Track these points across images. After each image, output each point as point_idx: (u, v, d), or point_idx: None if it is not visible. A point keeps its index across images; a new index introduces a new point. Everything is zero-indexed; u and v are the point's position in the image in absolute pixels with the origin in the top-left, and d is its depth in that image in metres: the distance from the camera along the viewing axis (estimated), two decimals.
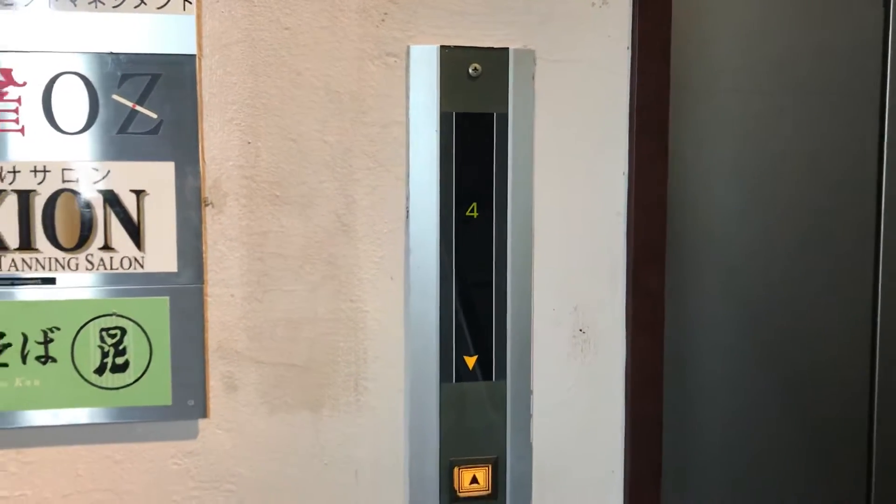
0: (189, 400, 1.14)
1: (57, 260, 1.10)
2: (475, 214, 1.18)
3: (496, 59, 1.17)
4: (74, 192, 1.09)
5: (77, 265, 1.10)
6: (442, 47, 1.16)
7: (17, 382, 1.10)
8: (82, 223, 1.10)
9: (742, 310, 1.41)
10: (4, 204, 1.08)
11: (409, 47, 1.16)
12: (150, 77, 1.09)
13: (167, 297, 1.12)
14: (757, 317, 1.42)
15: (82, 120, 1.09)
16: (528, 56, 1.19)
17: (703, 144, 1.37)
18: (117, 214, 1.10)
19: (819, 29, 1.41)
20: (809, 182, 1.43)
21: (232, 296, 1.15)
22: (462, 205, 1.18)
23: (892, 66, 1.43)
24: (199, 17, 1.10)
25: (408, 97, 1.16)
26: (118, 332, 1.11)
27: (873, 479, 1.48)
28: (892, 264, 1.45)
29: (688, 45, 1.33)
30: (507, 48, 1.18)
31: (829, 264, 1.45)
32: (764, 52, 1.39)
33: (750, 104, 1.39)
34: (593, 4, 1.21)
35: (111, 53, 1.08)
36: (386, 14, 1.15)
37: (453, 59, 1.16)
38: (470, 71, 1.16)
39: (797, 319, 1.44)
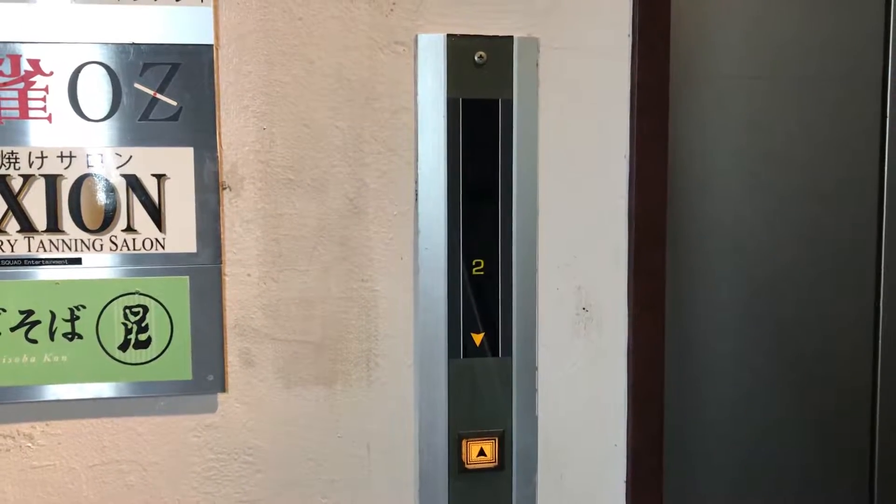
0: (208, 375, 1.19)
1: (82, 241, 1.15)
2: (481, 196, 1.23)
3: (501, 46, 1.21)
4: (99, 177, 1.14)
5: (101, 246, 1.15)
6: (448, 36, 1.20)
7: (46, 358, 1.15)
8: (106, 206, 1.15)
9: (743, 290, 1.44)
10: (33, 188, 1.13)
11: (416, 36, 1.20)
12: (169, 66, 1.14)
13: (187, 277, 1.17)
14: (758, 298, 1.44)
15: (106, 107, 1.14)
16: (532, 44, 1.23)
17: (704, 129, 1.39)
18: (139, 198, 1.15)
19: (821, 17, 1.43)
20: (811, 168, 1.44)
21: (248, 275, 1.20)
22: (469, 187, 1.22)
23: (894, 55, 1.44)
24: (216, 8, 1.15)
25: (416, 84, 1.21)
26: (141, 309, 1.17)
27: (876, 461, 1.51)
28: (894, 250, 1.47)
29: (689, 32, 1.36)
30: (512, 36, 1.22)
31: (831, 247, 1.47)
32: (766, 39, 1.41)
33: (752, 90, 1.41)
34: None
35: (133, 44, 1.13)
36: (395, 4, 1.19)
37: (459, 47, 1.20)
38: (476, 58, 1.21)
39: (798, 301, 1.46)
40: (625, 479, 1.32)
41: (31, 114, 1.13)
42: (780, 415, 1.47)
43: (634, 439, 1.30)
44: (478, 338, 1.24)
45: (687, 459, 1.44)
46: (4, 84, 1.12)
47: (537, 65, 1.23)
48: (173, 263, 1.17)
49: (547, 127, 1.25)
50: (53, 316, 1.15)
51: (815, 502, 1.51)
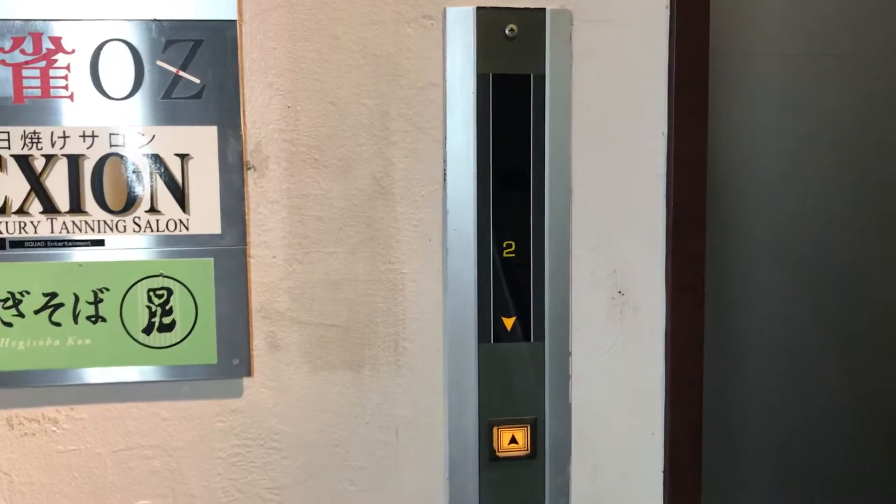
0: (233, 359, 1.16)
1: (105, 222, 1.13)
2: (513, 176, 1.19)
3: (533, 19, 1.17)
4: (121, 157, 1.12)
5: (125, 227, 1.13)
6: (478, 8, 1.16)
7: (70, 341, 1.14)
8: (129, 186, 1.13)
9: (784, 271, 1.39)
10: (55, 168, 1.11)
11: (445, 9, 1.16)
12: (192, 43, 1.12)
13: (212, 259, 1.15)
14: (801, 281, 1.40)
15: (128, 86, 1.12)
16: (565, 16, 1.18)
17: (744, 106, 1.35)
18: (163, 178, 1.13)
19: None
20: (851, 147, 1.40)
21: (274, 257, 1.17)
22: (499, 166, 1.18)
23: None
24: None
25: (444, 59, 1.17)
26: (165, 292, 1.15)
27: None
28: None
29: (730, 9, 1.31)
30: (544, 8, 1.17)
31: (875, 228, 1.42)
32: (808, 15, 1.36)
33: (793, 68, 1.37)
34: None
35: (155, 20, 1.11)
36: None
37: (490, 21, 1.16)
38: (506, 32, 1.17)
39: (843, 285, 1.42)
40: (661, 467, 1.28)
41: (53, 92, 1.11)
42: (823, 402, 1.43)
43: (672, 427, 1.25)
44: (509, 322, 1.21)
45: (725, 448, 1.40)
46: (26, 62, 1.10)
47: (570, 38, 1.19)
48: (198, 245, 1.14)
49: (580, 103, 1.20)
50: (77, 298, 1.13)
51: (857, 493, 1.46)
